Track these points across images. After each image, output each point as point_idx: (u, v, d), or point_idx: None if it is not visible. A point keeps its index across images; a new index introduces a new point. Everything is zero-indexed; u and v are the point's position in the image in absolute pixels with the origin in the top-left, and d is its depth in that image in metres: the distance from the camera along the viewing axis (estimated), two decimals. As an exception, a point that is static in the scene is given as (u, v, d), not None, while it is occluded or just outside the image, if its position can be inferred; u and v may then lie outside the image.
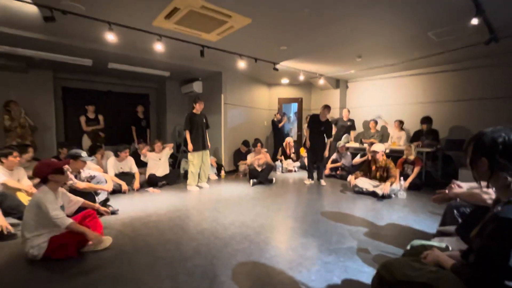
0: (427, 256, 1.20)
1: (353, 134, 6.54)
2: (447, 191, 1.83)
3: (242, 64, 4.88)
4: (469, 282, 0.98)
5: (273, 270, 1.99)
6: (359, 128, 6.84)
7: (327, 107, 5.00)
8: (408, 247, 1.44)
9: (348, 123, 6.54)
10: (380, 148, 4.25)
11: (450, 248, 1.35)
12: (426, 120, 5.20)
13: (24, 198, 3.11)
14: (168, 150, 5.12)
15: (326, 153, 5.14)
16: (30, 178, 3.26)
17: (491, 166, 1.01)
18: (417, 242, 1.43)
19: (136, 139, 6.19)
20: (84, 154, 3.16)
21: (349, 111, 6.63)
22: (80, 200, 2.65)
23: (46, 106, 5.64)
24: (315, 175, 5.24)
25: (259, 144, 5.42)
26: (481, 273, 0.94)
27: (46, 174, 2.20)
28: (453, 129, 5.39)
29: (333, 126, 6.64)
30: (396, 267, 1.17)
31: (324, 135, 5.06)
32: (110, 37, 3.43)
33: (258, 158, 5.37)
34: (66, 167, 2.38)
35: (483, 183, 1.08)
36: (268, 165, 5.33)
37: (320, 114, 5.02)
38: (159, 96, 7.75)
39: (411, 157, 4.52)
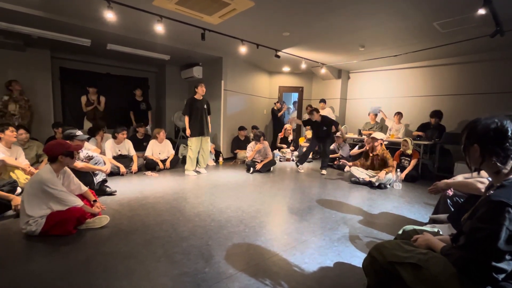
0: (417, 239, 1.22)
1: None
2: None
3: (243, 49, 4.81)
4: (457, 263, 1.00)
5: (268, 252, 2.03)
6: (360, 119, 6.81)
7: (312, 111, 5.03)
8: (400, 232, 1.46)
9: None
10: (379, 136, 4.26)
11: (441, 233, 1.38)
12: (436, 114, 5.14)
13: (22, 176, 3.13)
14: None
15: (342, 131, 5.20)
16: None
17: (483, 152, 1.02)
18: (409, 227, 1.45)
19: (134, 123, 6.08)
20: (79, 133, 3.13)
21: (325, 101, 6.79)
22: (82, 189, 2.50)
23: (43, 86, 5.55)
24: (307, 164, 5.24)
25: (262, 138, 5.19)
26: (470, 255, 0.96)
27: (58, 154, 2.18)
28: (454, 123, 5.38)
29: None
30: (387, 249, 1.19)
31: (329, 128, 5.05)
32: (109, 15, 3.35)
33: (258, 150, 5.21)
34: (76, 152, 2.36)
35: (475, 174, 1.10)
36: (269, 159, 5.21)
37: (311, 117, 5.05)
38: (159, 81, 7.66)
39: (409, 151, 4.53)
